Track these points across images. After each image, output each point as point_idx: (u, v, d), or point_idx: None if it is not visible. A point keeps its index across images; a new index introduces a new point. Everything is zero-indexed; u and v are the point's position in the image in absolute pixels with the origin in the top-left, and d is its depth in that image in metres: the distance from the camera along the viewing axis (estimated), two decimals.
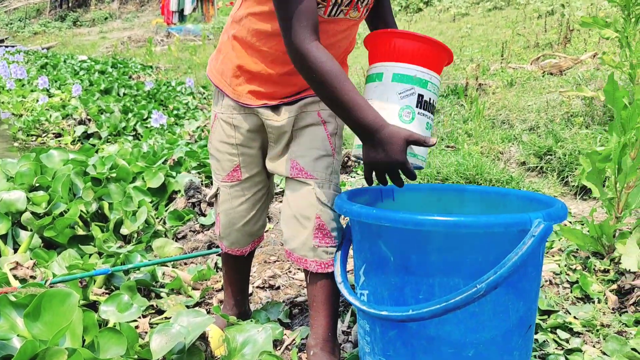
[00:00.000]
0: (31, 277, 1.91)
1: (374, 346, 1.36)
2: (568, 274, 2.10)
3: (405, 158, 1.31)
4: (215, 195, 1.74)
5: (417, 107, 1.35)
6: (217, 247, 2.45)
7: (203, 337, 1.65)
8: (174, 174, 3.10)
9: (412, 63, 1.36)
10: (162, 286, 2.21)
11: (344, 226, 1.56)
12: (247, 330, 1.57)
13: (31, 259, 2.21)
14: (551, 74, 4.57)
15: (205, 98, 7.72)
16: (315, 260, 1.51)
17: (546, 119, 3.61)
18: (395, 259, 1.28)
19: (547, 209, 1.29)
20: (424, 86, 1.36)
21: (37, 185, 2.83)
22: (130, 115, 5.81)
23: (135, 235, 2.62)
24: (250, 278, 2.26)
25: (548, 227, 1.18)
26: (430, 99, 1.37)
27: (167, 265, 2.33)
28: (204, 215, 2.78)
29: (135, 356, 1.49)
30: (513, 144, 3.59)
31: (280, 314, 1.95)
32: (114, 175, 2.92)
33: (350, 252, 1.51)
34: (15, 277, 1.87)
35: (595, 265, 2.08)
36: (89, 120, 5.88)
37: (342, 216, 1.45)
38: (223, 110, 1.61)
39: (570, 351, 1.67)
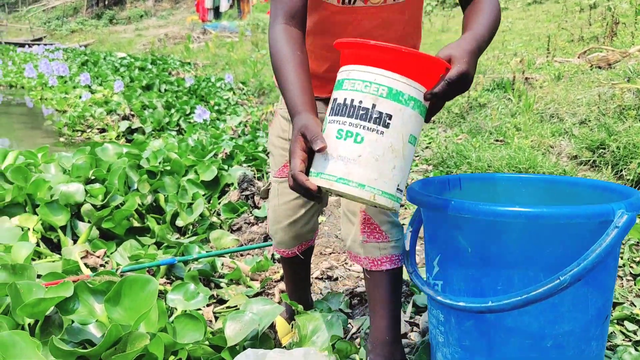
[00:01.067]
0: (101, 265, 1.96)
1: (449, 336, 1.36)
2: (632, 267, 2.06)
3: (295, 154, 1.11)
4: (267, 191, 1.77)
5: (329, 113, 1.13)
6: None
7: (271, 326, 1.68)
8: (225, 167, 3.14)
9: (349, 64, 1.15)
10: (222, 277, 2.24)
11: (410, 217, 1.55)
12: (316, 318, 1.58)
13: (92, 250, 2.27)
14: (599, 67, 4.48)
15: (244, 94, 7.78)
16: (367, 257, 1.47)
17: (597, 113, 3.54)
18: (473, 250, 1.27)
19: (624, 199, 1.27)
20: (339, 87, 1.13)
21: (93, 178, 2.90)
22: (172, 110, 5.89)
23: (191, 227, 2.66)
24: None
25: (632, 217, 1.16)
26: (347, 99, 1.09)
27: (225, 257, 2.37)
28: (258, 208, 2.80)
29: (207, 342, 1.53)
30: (564, 137, 3.53)
31: (341, 304, 1.97)
32: (167, 168, 2.97)
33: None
34: (86, 265, 1.92)
35: None
36: (133, 115, 5.98)
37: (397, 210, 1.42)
38: (282, 106, 1.62)
39: (638, 342, 1.65)
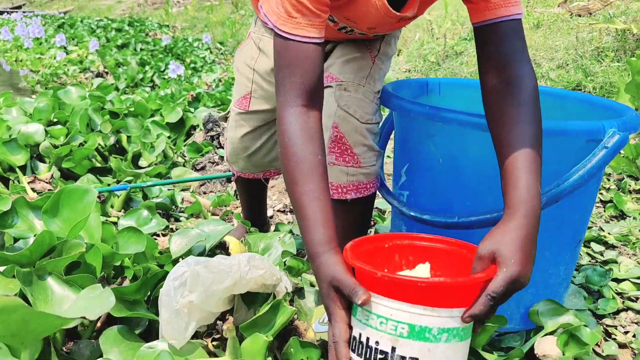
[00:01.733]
0: (49, 190, 1.88)
1: None
2: (601, 193, 2.02)
3: (336, 316, 0.89)
4: (226, 118, 1.68)
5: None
6: None
7: (223, 247, 1.62)
8: (192, 109, 3.05)
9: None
10: (182, 211, 2.17)
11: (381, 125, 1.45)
12: (268, 237, 1.52)
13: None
14: (579, 15, 4.41)
15: (222, 54, 7.63)
16: (331, 182, 1.27)
17: (575, 55, 3.48)
18: (445, 161, 1.19)
19: (616, 117, 1.17)
20: (354, 311, 0.89)
21: (55, 120, 2.80)
22: (147, 67, 5.75)
23: (154, 167, 2.58)
24: (271, 202, 2.22)
25: (623, 138, 1.06)
26: (362, 335, 0.86)
27: (185, 192, 2.30)
28: (223, 148, 2.73)
29: (155, 262, 1.46)
30: (541, 81, 3.48)
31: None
32: (132, 110, 2.87)
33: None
34: (33, 190, 1.84)
35: (630, 186, 2.00)
36: (107, 73, 5.84)
37: (375, 130, 1.31)
38: (256, 30, 1.51)
39: (605, 262, 1.61)
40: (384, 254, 1.01)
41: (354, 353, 0.86)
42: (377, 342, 0.83)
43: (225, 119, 1.72)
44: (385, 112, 1.58)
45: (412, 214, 1.23)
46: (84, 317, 0.97)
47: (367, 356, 0.84)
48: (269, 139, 1.58)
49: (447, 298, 0.82)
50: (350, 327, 0.88)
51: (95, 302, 0.96)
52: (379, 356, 0.82)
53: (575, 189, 1.05)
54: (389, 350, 0.82)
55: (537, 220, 0.90)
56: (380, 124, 1.38)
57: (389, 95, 1.27)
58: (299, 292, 1.38)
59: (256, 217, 1.77)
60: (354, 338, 0.86)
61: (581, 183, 1.05)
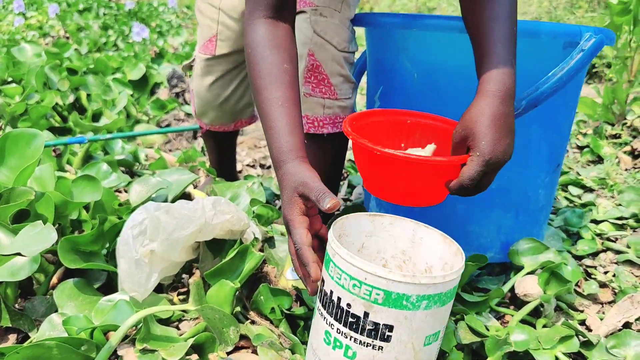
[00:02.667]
0: None
1: None
2: (578, 138, 1.97)
3: (295, 222, 0.83)
4: (191, 66, 1.58)
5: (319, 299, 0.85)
6: None
7: (188, 199, 1.53)
8: (155, 66, 2.91)
9: None
10: (146, 168, 2.07)
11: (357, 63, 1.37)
12: (235, 185, 1.44)
13: None
14: None
15: (189, 18, 7.40)
16: (306, 115, 1.20)
17: (549, 7, 3.42)
18: (420, 76, 1.11)
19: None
20: (327, 263, 0.82)
21: (9, 79, 2.65)
22: (110, 31, 5.55)
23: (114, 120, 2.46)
24: (240, 157, 2.14)
25: (599, 41, 1.03)
26: (333, 293, 0.79)
27: (150, 149, 2.19)
28: (188, 104, 2.62)
29: (116, 215, 1.37)
30: None
31: (272, 187, 1.83)
32: (91, 67, 2.73)
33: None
34: None
35: (606, 131, 1.96)
36: (67, 38, 5.61)
37: (352, 61, 1.25)
38: None
39: (583, 205, 1.57)
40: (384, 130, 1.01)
41: (325, 310, 0.80)
42: (348, 305, 0.76)
43: (190, 67, 1.61)
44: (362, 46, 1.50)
45: None
46: (20, 254, 0.88)
47: (338, 317, 0.77)
48: (241, 83, 1.49)
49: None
50: (321, 278, 0.82)
51: (34, 239, 0.87)
52: (350, 319, 0.76)
53: (555, 92, 1.01)
54: (361, 315, 0.75)
55: (511, 97, 0.85)
56: (357, 56, 1.30)
57: (362, 16, 1.20)
58: (269, 241, 1.31)
59: (226, 173, 1.69)
60: (325, 294, 0.80)
61: (559, 85, 1.01)
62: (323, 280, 0.80)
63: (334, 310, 0.78)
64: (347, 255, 0.74)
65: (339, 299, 0.77)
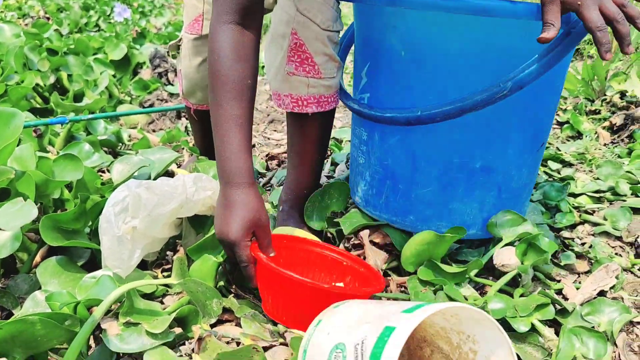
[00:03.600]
0: None
1: (370, 156, 1.24)
2: (558, 114, 2.00)
3: (241, 239, 0.96)
4: (178, 46, 1.56)
5: None
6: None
7: (171, 177, 1.54)
8: (137, 46, 2.89)
9: None
10: (129, 149, 2.07)
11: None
12: None
13: None
14: None
15: None
16: (289, 94, 1.20)
17: None
18: (407, 54, 1.10)
19: None
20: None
21: None
22: (92, 12, 5.47)
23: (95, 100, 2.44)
24: None
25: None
26: None
27: (133, 129, 2.18)
28: (172, 84, 2.60)
29: (99, 194, 1.37)
30: None
31: (257, 166, 1.84)
32: (72, 47, 2.70)
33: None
34: None
35: (586, 107, 1.98)
36: (48, 19, 5.52)
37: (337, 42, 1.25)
38: None
39: (562, 179, 1.59)
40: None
41: None
42: None
43: (177, 48, 1.60)
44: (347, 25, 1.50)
45: (373, 113, 1.17)
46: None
47: None
48: None
49: None
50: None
51: (14, 215, 0.87)
52: None
53: (542, 73, 0.99)
54: None
55: None
56: (341, 34, 1.30)
57: None
58: None
59: (210, 153, 1.69)
60: None
61: (547, 67, 0.98)
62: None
63: None
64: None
65: None
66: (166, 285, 1.07)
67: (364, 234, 1.21)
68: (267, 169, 1.86)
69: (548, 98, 1.17)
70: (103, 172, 1.78)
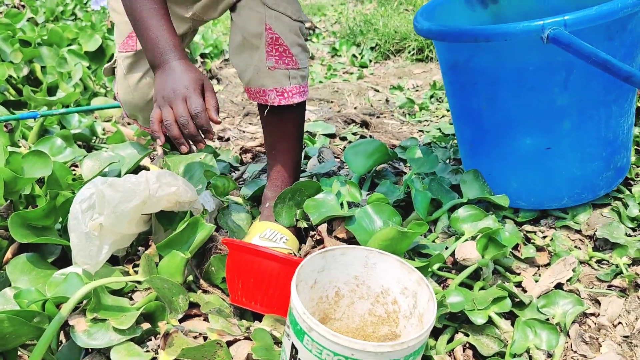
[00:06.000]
0: None
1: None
2: None
3: (194, 87, 1.03)
4: (113, 69, 1.56)
5: None
6: None
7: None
8: (112, 37, 2.87)
9: None
10: (104, 142, 2.07)
11: None
12: (189, 158, 1.46)
13: None
14: None
15: None
16: (275, 88, 1.21)
17: None
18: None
19: None
20: (300, 334, 0.81)
21: None
22: (68, 0, 5.40)
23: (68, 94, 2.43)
24: None
25: None
26: None
27: (107, 123, 2.19)
28: None
29: (70, 190, 1.38)
30: None
31: (231, 159, 1.85)
32: (45, 38, 2.68)
33: None
34: None
35: None
36: (23, 6, 5.44)
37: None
38: None
39: None
40: None
41: None
42: None
43: (112, 71, 1.59)
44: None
45: None
46: None
47: None
48: None
49: None
50: None
51: None
52: None
53: None
54: None
55: None
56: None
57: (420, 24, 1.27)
58: (224, 210, 1.34)
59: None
60: None
61: None
62: (295, 348, 0.80)
63: None
64: (328, 333, 0.74)
65: None
66: (135, 281, 1.09)
67: (323, 227, 1.22)
68: (241, 162, 1.88)
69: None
70: (77, 166, 1.79)
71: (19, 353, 0.97)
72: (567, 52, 1.07)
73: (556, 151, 1.29)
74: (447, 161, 1.73)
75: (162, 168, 1.52)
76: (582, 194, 1.38)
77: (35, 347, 0.88)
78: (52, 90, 2.44)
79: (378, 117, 2.28)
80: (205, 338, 0.98)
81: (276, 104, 1.23)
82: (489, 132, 1.34)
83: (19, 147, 1.77)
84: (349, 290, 0.95)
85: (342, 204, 1.26)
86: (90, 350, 0.96)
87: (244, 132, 2.18)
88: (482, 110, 1.31)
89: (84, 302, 0.99)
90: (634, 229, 1.35)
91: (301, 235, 1.31)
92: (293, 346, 0.80)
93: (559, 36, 1.07)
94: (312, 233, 1.26)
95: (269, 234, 1.24)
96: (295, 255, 1.23)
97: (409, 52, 3.03)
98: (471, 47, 1.25)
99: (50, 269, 1.16)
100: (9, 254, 1.24)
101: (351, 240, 1.21)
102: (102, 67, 2.71)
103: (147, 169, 1.55)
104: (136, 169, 1.48)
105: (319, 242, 1.22)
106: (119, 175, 1.37)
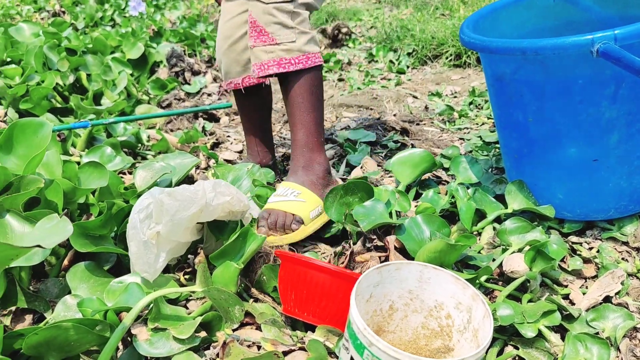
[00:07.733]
0: None
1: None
2: None
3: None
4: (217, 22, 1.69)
5: None
6: (206, 104, 2.34)
7: (191, 182, 1.59)
8: (154, 45, 2.94)
9: None
10: (148, 149, 2.12)
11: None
12: (236, 169, 1.49)
13: None
14: None
15: None
16: (254, 63, 1.42)
17: None
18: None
19: None
20: (359, 349, 0.84)
21: (8, 60, 2.67)
22: (107, 5, 5.52)
23: (116, 103, 2.50)
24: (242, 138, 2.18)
25: None
26: None
27: (151, 130, 2.24)
28: (189, 84, 2.65)
29: (122, 199, 1.43)
30: None
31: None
32: (90, 47, 2.75)
33: None
34: None
35: None
36: (63, 12, 5.59)
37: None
38: None
39: None
40: None
41: None
42: None
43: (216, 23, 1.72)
44: None
45: None
46: (39, 246, 0.94)
47: None
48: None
49: None
50: None
51: (51, 231, 0.93)
52: None
53: None
54: None
55: None
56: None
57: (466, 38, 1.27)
58: None
59: (260, 148, 1.74)
60: None
61: None
62: None
63: None
64: (389, 349, 0.75)
65: None
66: (191, 290, 1.13)
67: (391, 239, 1.24)
68: (283, 170, 1.91)
69: None
70: (124, 173, 1.84)
71: (80, 359, 1.01)
72: (616, 66, 1.07)
73: (604, 163, 1.29)
74: (490, 170, 1.73)
75: (210, 173, 1.56)
76: (629, 206, 1.37)
77: (100, 355, 0.92)
78: (96, 97, 2.51)
79: (417, 124, 2.28)
80: (258, 347, 1.01)
81: (255, 76, 1.42)
82: (535, 143, 1.34)
83: (71, 154, 1.83)
84: (402, 303, 0.97)
85: (390, 213, 1.28)
86: (150, 358, 0.99)
87: (284, 139, 2.21)
88: (529, 122, 1.32)
89: (144, 311, 1.03)
90: None
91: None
92: (352, 359, 0.82)
93: (609, 50, 1.07)
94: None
95: (281, 191, 1.35)
96: (320, 211, 1.34)
97: (447, 58, 3.03)
98: (518, 60, 1.26)
99: (107, 277, 1.20)
100: (66, 261, 1.29)
101: (401, 250, 1.22)
102: (145, 74, 2.78)
103: (194, 179, 1.59)
104: (185, 178, 1.53)
105: (378, 249, 1.23)
106: (170, 185, 1.41)
